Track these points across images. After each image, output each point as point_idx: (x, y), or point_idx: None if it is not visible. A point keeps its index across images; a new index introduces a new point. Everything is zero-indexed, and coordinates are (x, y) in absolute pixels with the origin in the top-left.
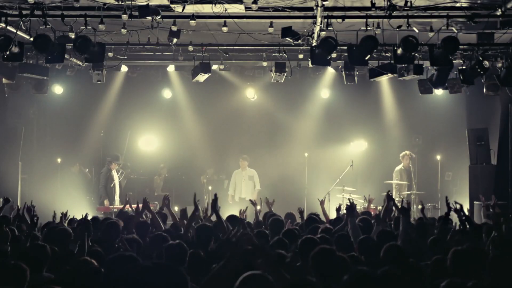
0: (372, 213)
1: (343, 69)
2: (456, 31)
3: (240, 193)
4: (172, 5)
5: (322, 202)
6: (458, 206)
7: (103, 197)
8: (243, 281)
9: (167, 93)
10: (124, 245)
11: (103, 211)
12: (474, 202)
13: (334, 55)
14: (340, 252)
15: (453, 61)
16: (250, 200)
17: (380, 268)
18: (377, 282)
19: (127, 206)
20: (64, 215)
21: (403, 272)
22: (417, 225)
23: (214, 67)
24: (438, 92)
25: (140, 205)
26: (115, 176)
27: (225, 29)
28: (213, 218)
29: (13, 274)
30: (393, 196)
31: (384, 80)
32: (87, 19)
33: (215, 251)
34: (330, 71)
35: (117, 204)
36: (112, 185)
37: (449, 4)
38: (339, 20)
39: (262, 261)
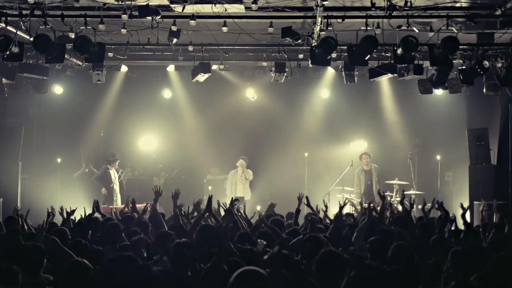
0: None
1: (343, 69)
2: (456, 31)
3: (235, 193)
4: (172, 5)
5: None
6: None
7: (98, 187)
8: (238, 276)
9: (167, 93)
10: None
11: (104, 211)
12: (474, 202)
13: (334, 55)
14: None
15: (453, 61)
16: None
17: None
18: (386, 279)
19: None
20: (68, 213)
21: (411, 271)
22: (418, 225)
23: (214, 67)
24: (438, 92)
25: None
26: (115, 175)
27: (225, 29)
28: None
29: (4, 277)
30: (393, 197)
31: (384, 80)
32: (87, 19)
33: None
34: (330, 71)
35: (118, 204)
36: (111, 185)
37: (449, 4)
38: (339, 20)
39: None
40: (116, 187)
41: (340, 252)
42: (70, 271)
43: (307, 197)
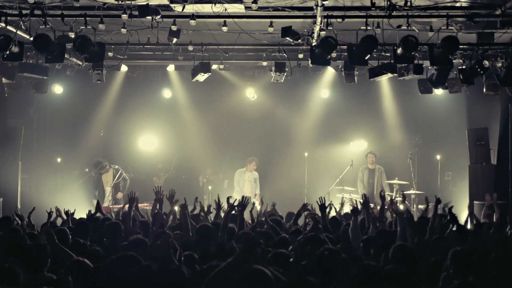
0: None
1: (343, 69)
2: (456, 31)
3: (243, 192)
4: (172, 5)
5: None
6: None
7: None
8: (243, 276)
9: (167, 93)
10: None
11: (104, 211)
12: (474, 202)
13: (334, 54)
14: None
15: (453, 60)
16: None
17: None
18: (384, 278)
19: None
20: (69, 214)
21: (410, 271)
22: (417, 224)
23: (214, 66)
24: (438, 92)
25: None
26: (108, 179)
27: (225, 28)
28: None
29: (5, 277)
30: (393, 196)
31: (384, 80)
32: (87, 18)
33: (216, 251)
34: (330, 71)
35: (110, 204)
36: (104, 188)
37: (449, 4)
38: (339, 20)
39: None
40: (108, 189)
41: (339, 250)
42: (71, 270)
43: (305, 205)
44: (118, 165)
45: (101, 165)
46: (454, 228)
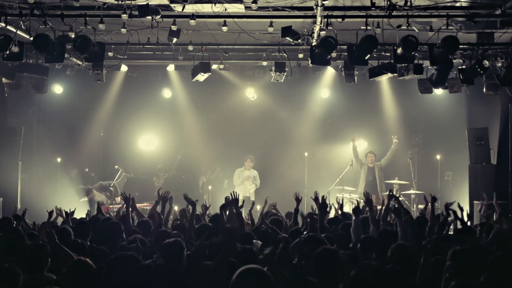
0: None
1: (343, 69)
2: (456, 31)
3: (244, 193)
4: (172, 5)
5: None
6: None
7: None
8: (240, 275)
9: (167, 93)
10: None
11: (104, 211)
12: (474, 202)
13: (334, 54)
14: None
15: (453, 60)
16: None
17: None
18: (383, 277)
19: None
20: (69, 213)
21: (409, 271)
22: (417, 224)
23: (214, 66)
24: (438, 91)
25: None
26: (100, 198)
27: (225, 28)
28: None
29: (5, 277)
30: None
31: (384, 80)
32: (87, 18)
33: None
34: (330, 70)
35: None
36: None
37: (449, 4)
38: (339, 20)
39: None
40: (107, 195)
41: (337, 250)
42: (72, 270)
43: (316, 192)
44: (118, 165)
45: (86, 191)
46: (452, 228)
